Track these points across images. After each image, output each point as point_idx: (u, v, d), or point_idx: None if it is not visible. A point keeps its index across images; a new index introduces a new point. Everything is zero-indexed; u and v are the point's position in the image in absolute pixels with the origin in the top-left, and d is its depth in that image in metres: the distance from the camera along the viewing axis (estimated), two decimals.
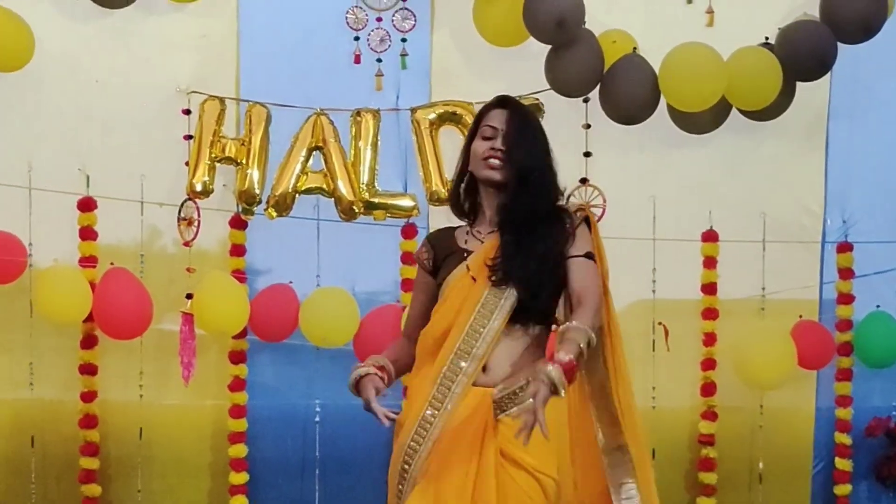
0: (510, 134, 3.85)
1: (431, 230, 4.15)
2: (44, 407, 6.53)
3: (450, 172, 6.46)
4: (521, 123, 3.88)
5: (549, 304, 3.84)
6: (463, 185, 3.97)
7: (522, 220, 3.82)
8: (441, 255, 3.95)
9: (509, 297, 3.78)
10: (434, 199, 6.48)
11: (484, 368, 3.80)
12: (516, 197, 3.82)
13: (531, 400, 3.44)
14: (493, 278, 3.78)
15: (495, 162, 3.84)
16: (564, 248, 3.82)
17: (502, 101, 3.96)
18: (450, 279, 3.88)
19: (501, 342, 3.80)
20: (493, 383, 3.80)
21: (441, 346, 3.81)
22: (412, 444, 3.80)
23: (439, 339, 3.83)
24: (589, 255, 3.83)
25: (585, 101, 6.47)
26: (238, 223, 6.56)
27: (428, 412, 3.77)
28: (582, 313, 3.70)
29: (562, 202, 3.91)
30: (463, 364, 3.77)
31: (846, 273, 6.86)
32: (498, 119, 3.88)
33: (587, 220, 3.89)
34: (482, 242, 3.88)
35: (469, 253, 3.88)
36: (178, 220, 6.45)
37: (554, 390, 3.46)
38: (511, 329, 3.80)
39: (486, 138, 3.87)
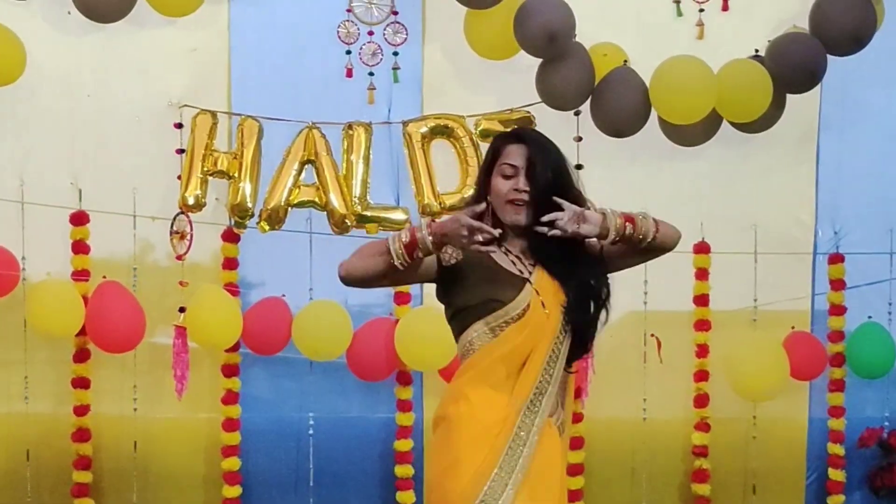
0: (534, 171, 3.75)
1: None
2: (38, 421, 6.52)
3: (442, 185, 6.50)
4: (541, 159, 3.77)
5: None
6: (488, 218, 3.79)
7: (560, 253, 3.78)
8: (474, 263, 3.77)
9: (569, 335, 3.81)
10: (426, 212, 6.49)
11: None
12: (544, 237, 3.72)
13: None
14: (568, 321, 3.78)
15: (520, 206, 3.76)
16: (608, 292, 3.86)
17: (520, 136, 3.86)
18: (523, 302, 3.74)
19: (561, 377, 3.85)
20: (551, 413, 3.82)
21: (514, 377, 3.75)
22: (499, 472, 3.71)
23: (513, 370, 3.75)
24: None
25: (577, 114, 6.49)
26: (230, 237, 6.57)
27: (514, 442, 3.71)
28: (665, 224, 3.95)
29: None
30: (541, 401, 3.76)
31: (838, 284, 6.87)
32: (517, 156, 3.78)
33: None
34: (530, 272, 3.79)
35: (521, 278, 3.77)
36: (171, 233, 6.46)
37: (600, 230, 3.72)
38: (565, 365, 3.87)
39: (506, 177, 3.77)
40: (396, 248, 3.64)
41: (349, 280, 3.73)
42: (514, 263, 3.80)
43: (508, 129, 4.05)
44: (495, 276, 3.77)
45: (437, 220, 3.68)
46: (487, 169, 3.85)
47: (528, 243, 3.82)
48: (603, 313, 3.86)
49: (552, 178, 3.75)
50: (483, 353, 3.76)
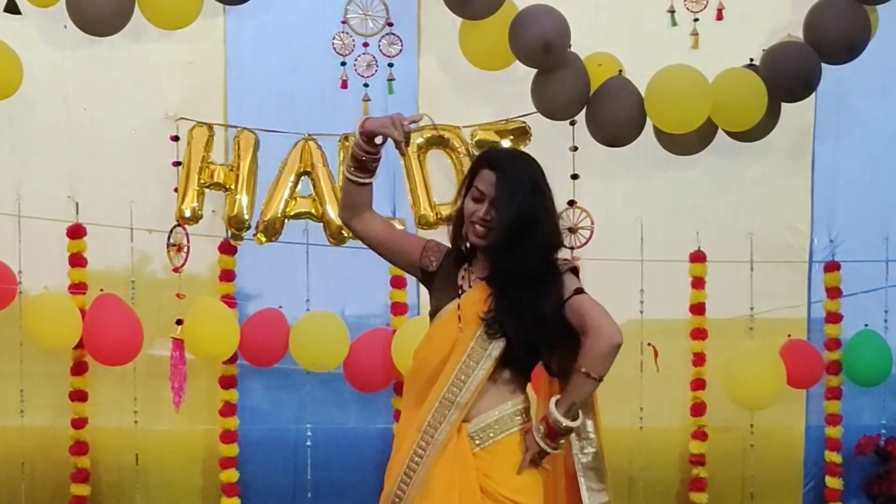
0: (502, 200, 3.80)
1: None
2: (34, 434, 6.52)
3: (438, 196, 6.51)
4: (509, 188, 3.80)
5: (545, 358, 3.94)
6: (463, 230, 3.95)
7: (511, 279, 3.83)
8: (443, 272, 3.98)
9: (497, 348, 3.83)
10: (423, 223, 6.50)
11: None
12: (503, 259, 3.82)
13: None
14: (489, 331, 3.82)
15: (480, 230, 3.84)
16: (553, 308, 3.85)
17: (491, 163, 3.87)
18: (442, 315, 3.93)
19: (484, 387, 3.88)
20: (469, 418, 3.88)
21: (427, 392, 3.88)
22: (398, 492, 3.86)
23: (426, 385, 3.89)
24: (578, 291, 3.87)
25: (572, 123, 6.50)
26: (227, 249, 6.57)
27: (412, 461, 3.84)
28: (582, 354, 3.84)
29: (561, 254, 3.93)
30: (447, 412, 3.84)
31: (834, 292, 6.89)
32: (486, 182, 3.83)
33: (573, 269, 3.93)
34: (470, 286, 3.91)
35: (459, 291, 3.92)
36: (168, 246, 6.46)
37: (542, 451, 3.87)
38: (495, 375, 3.88)
39: (475, 199, 3.86)
40: (347, 162, 3.93)
41: (343, 218, 4.08)
42: (463, 278, 3.93)
43: (491, 149, 4.17)
44: (443, 286, 3.95)
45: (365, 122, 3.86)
46: (464, 188, 3.94)
47: (490, 262, 3.89)
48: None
49: (516, 213, 3.78)
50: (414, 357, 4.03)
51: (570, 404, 3.83)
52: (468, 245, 3.93)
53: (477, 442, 3.86)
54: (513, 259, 3.80)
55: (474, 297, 3.87)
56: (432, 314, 3.99)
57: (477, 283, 3.90)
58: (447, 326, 3.89)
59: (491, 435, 3.87)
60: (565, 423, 3.83)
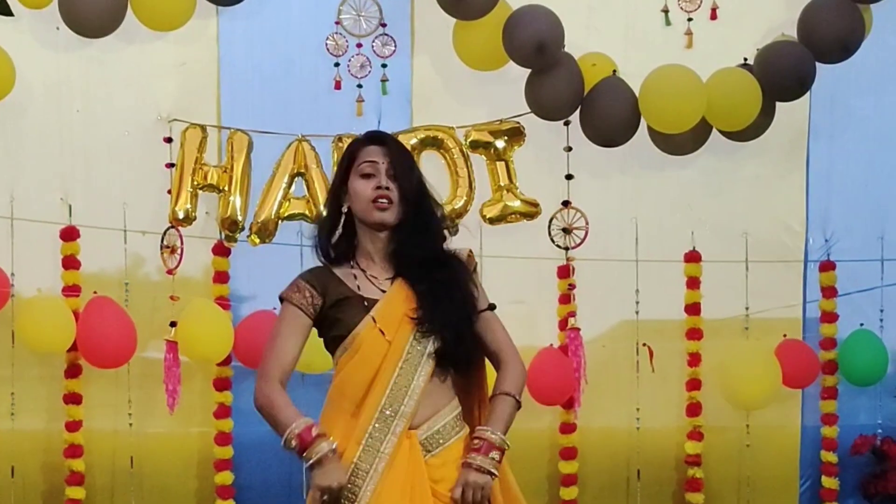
0: (396, 171, 3.68)
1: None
2: (26, 437, 6.50)
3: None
4: (403, 159, 3.72)
5: (474, 350, 3.77)
6: (339, 230, 3.75)
7: (422, 264, 3.69)
8: (331, 299, 3.70)
9: (430, 349, 3.67)
10: None
11: None
12: (412, 239, 3.68)
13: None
14: (422, 330, 3.64)
15: (384, 202, 3.67)
16: (474, 295, 3.75)
17: (378, 138, 3.78)
18: (358, 331, 3.66)
19: (425, 390, 3.69)
20: (416, 426, 3.69)
21: (360, 404, 3.65)
22: None
23: (358, 397, 3.66)
24: (492, 307, 3.79)
25: (566, 123, 6.49)
26: (221, 250, 6.56)
27: (355, 476, 3.60)
28: (509, 378, 3.74)
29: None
30: (391, 423, 3.63)
31: (829, 292, 6.88)
32: (377, 155, 3.70)
33: (473, 266, 3.82)
34: (382, 291, 3.70)
35: (370, 301, 3.69)
36: (161, 248, 6.44)
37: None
38: (433, 376, 3.70)
39: (366, 175, 3.69)
40: (288, 441, 3.62)
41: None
42: (360, 287, 3.71)
43: (363, 134, 3.88)
44: (343, 307, 3.69)
45: (316, 455, 3.56)
46: (343, 175, 3.75)
47: (391, 248, 3.73)
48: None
49: (415, 179, 3.70)
50: (331, 389, 3.75)
51: (506, 427, 3.70)
52: (340, 247, 3.74)
53: (428, 449, 3.68)
54: (421, 240, 3.68)
55: (394, 300, 3.68)
56: (333, 339, 3.73)
57: (387, 285, 3.71)
58: (371, 336, 3.65)
59: (441, 441, 3.70)
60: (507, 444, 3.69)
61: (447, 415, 3.72)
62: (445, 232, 3.80)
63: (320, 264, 3.82)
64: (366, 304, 3.67)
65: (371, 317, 3.65)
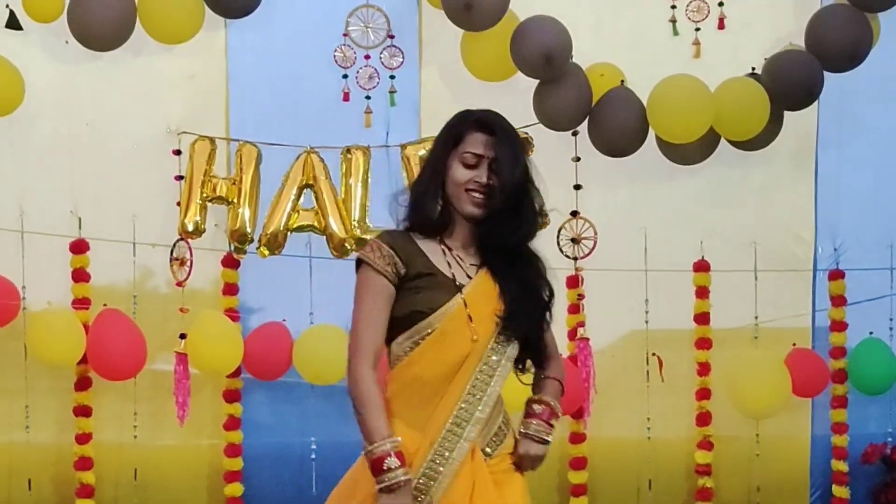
0: (500, 165, 3.47)
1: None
2: (40, 449, 6.52)
3: None
4: (510, 151, 3.50)
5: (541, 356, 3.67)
6: (440, 203, 3.52)
7: (508, 258, 3.52)
8: (414, 269, 3.47)
9: (511, 355, 3.53)
10: None
11: None
12: (504, 229, 3.49)
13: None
14: (506, 333, 3.49)
15: (479, 198, 3.48)
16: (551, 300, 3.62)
17: (488, 125, 3.54)
18: (444, 315, 3.45)
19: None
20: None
21: (433, 402, 3.46)
22: None
23: (432, 394, 3.46)
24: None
25: (574, 134, 6.49)
26: (230, 262, 6.57)
27: (421, 480, 3.43)
28: (555, 368, 3.68)
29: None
30: (464, 428, 3.46)
31: (838, 300, 6.87)
32: (482, 144, 3.50)
33: None
34: (469, 277, 3.50)
35: (456, 283, 3.48)
36: (171, 260, 6.46)
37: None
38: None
39: (468, 166, 3.49)
40: (369, 455, 3.39)
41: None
42: (451, 265, 3.51)
43: (468, 111, 3.63)
44: (430, 283, 3.47)
45: (389, 481, 3.34)
46: (445, 149, 3.54)
47: (475, 236, 3.54)
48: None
49: (517, 176, 3.49)
50: (399, 371, 3.51)
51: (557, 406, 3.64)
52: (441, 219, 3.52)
53: (487, 453, 3.53)
54: (514, 229, 3.49)
55: (481, 292, 3.50)
56: (411, 314, 3.47)
57: (473, 272, 3.52)
58: (459, 332, 3.45)
59: (497, 443, 3.55)
60: (553, 414, 3.61)
61: (499, 414, 3.58)
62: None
63: (398, 228, 3.58)
64: (457, 285, 3.48)
65: (462, 299, 3.47)
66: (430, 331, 3.46)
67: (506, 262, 3.53)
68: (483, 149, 3.50)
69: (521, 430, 3.60)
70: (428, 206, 3.51)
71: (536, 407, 3.62)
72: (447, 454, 3.45)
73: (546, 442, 3.60)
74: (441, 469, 3.44)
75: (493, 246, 3.52)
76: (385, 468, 3.35)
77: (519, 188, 3.49)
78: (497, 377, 3.50)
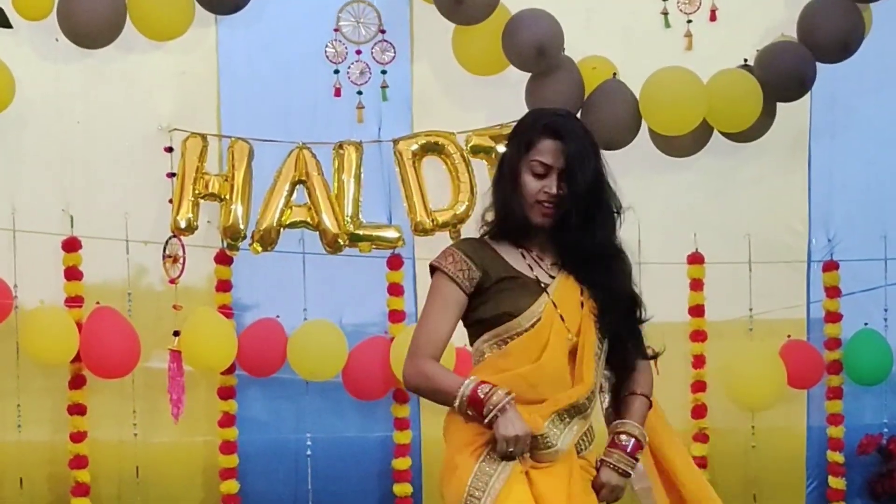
0: (570, 171, 3.45)
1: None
2: (32, 448, 6.50)
3: (434, 202, 6.48)
4: (580, 157, 3.45)
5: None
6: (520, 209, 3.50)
7: (587, 260, 3.52)
8: (495, 274, 3.50)
9: (605, 348, 3.59)
10: (419, 230, 6.48)
11: None
12: (577, 235, 3.48)
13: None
14: (601, 329, 3.53)
15: (548, 209, 3.47)
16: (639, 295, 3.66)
17: (557, 131, 3.47)
18: (533, 315, 3.47)
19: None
20: None
21: (530, 391, 3.47)
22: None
23: (534, 388, 3.47)
24: None
25: None
26: (223, 259, 6.55)
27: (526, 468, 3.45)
28: (643, 380, 3.76)
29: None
30: (574, 419, 3.51)
31: (833, 292, 6.87)
32: (550, 154, 3.46)
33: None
34: (552, 277, 3.53)
35: (540, 284, 3.51)
36: (164, 257, 6.44)
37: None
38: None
39: (537, 175, 3.47)
40: (462, 405, 3.41)
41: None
42: (532, 268, 3.53)
43: (539, 112, 3.64)
44: (512, 286, 3.49)
45: (495, 405, 3.36)
46: (516, 156, 3.52)
47: (551, 241, 3.55)
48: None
49: (590, 185, 3.47)
50: (489, 366, 3.50)
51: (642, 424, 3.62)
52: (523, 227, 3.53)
53: (578, 450, 3.57)
54: (590, 238, 3.49)
55: (566, 291, 3.51)
56: (499, 316, 3.50)
57: (556, 271, 3.53)
58: (553, 330, 3.47)
59: (587, 441, 3.60)
60: (641, 441, 3.60)
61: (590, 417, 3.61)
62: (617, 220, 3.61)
63: (474, 237, 3.64)
64: (542, 285, 3.50)
65: (551, 300, 3.48)
66: (518, 331, 3.48)
67: (587, 267, 3.54)
68: (552, 158, 3.47)
69: (604, 458, 3.60)
70: (517, 212, 3.50)
71: (623, 438, 3.61)
72: (560, 434, 3.46)
73: (627, 475, 3.59)
74: (557, 438, 3.46)
75: (570, 253, 3.53)
76: (483, 397, 3.36)
77: (591, 195, 3.48)
78: (598, 370, 3.56)
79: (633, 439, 3.60)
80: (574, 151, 3.45)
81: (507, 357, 3.48)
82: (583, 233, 3.47)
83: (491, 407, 3.35)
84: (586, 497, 3.54)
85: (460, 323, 3.60)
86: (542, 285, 3.49)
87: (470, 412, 3.40)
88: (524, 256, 3.55)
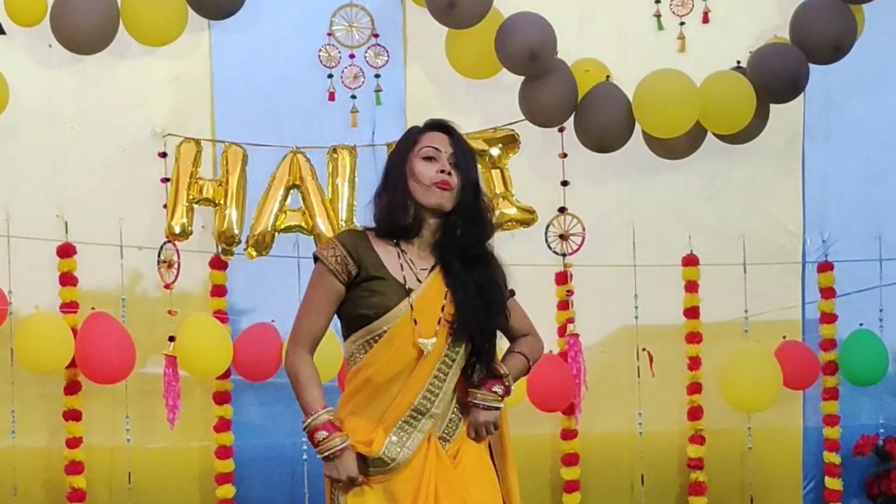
0: (459, 160, 3.65)
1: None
2: (27, 454, 6.49)
3: None
4: (466, 150, 3.71)
5: (494, 353, 3.75)
6: (412, 206, 3.64)
7: (464, 259, 3.64)
8: (366, 271, 3.61)
9: (464, 350, 3.65)
10: None
11: None
12: (463, 228, 3.63)
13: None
14: (456, 334, 3.60)
15: (446, 187, 3.62)
16: (507, 301, 3.75)
17: (443, 125, 3.73)
18: (393, 318, 3.58)
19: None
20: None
21: (389, 398, 3.60)
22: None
23: (388, 391, 3.60)
24: (512, 293, 3.78)
25: (561, 130, 6.50)
26: (218, 264, 6.56)
27: (378, 462, 3.60)
28: (526, 344, 3.82)
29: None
30: (420, 421, 3.62)
31: (828, 292, 6.88)
32: (440, 141, 3.67)
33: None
34: (419, 281, 3.63)
35: (406, 287, 3.60)
36: (158, 262, 6.44)
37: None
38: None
39: (428, 159, 3.64)
40: (306, 429, 3.61)
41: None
42: (402, 267, 3.64)
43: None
44: (381, 286, 3.61)
45: (328, 451, 3.55)
46: (401, 156, 3.69)
47: (435, 236, 3.66)
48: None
49: (474, 171, 3.70)
50: (359, 371, 3.64)
51: (514, 376, 3.75)
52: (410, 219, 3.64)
53: (446, 439, 3.68)
54: (471, 230, 3.64)
55: (429, 296, 3.62)
56: (362, 316, 3.62)
57: (424, 276, 3.64)
58: (406, 335, 3.58)
59: (454, 429, 3.69)
60: (507, 380, 3.71)
61: (452, 405, 3.70)
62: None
63: (358, 228, 3.81)
64: (406, 289, 3.61)
65: (409, 303, 3.60)
66: (379, 333, 3.61)
67: (461, 265, 3.65)
68: (441, 144, 3.67)
69: (469, 400, 3.71)
70: (399, 212, 3.64)
71: (478, 376, 3.71)
72: (406, 441, 3.61)
73: (492, 408, 3.69)
74: (396, 455, 3.60)
75: (451, 246, 3.64)
76: (323, 438, 3.56)
77: (476, 186, 3.68)
78: (451, 376, 3.65)
79: (494, 379, 3.70)
80: (459, 143, 3.68)
81: (369, 360, 3.62)
82: (466, 226, 3.63)
83: (325, 450, 3.57)
84: (465, 480, 3.66)
85: None
86: (407, 289, 3.61)
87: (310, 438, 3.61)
88: (399, 256, 3.66)
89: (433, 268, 3.66)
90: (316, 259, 3.70)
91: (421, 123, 3.78)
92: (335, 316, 3.70)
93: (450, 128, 3.73)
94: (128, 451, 6.54)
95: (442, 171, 3.63)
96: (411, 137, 3.73)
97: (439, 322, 3.60)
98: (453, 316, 3.61)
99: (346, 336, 3.70)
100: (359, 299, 3.62)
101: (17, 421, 6.43)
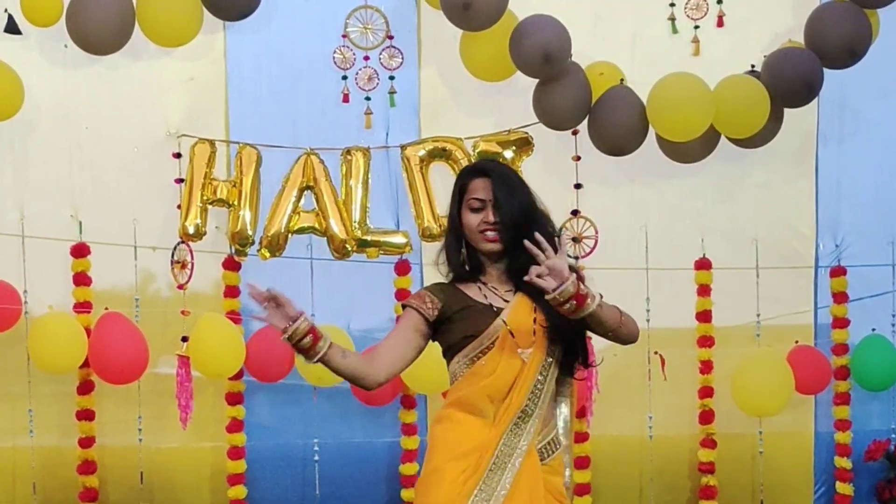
0: (499, 202, 3.91)
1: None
2: (43, 454, 6.52)
3: (441, 208, 6.49)
4: (505, 188, 3.93)
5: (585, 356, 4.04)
6: (463, 251, 3.99)
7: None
8: (455, 306, 3.96)
9: (557, 356, 3.94)
10: (426, 235, 6.50)
11: None
12: (523, 259, 3.81)
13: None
14: (551, 338, 3.90)
15: (491, 234, 3.92)
16: None
17: (482, 170, 4.02)
18: (492, 335, 3.90)
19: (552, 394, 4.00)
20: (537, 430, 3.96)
21: (499, 404, 3.89)
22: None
23: (498, 397, 3.90)
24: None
25: (574, 133, 6.49)
26: (231, 265, 6.57)
27: (494, 472, 3.86)
28: (628, 320, 3.95)
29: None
30: (528, 422, 3.90)
31: (840, 297, 6.87)
32: (482, 189, 3.94)
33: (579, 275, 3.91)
34: (506, 301, 3.93)
35: (492, 309, 3.92)
36: (172, 263, 6.46)
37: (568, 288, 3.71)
38: (556, 382, 4.00)
39: (474, 210, 3.94)
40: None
41: (371, 385, 4.04)
42: (487, 297, 3.95)
43: (472, 163, 4.25)
44: (469, 313, 3.93)
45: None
46: (458, 204, 4.01)
47: (506, 267, 3.96)
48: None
49: (518, 207, 3.91)
50: (463, 382, 3.94)
51: (600, 303, 3.82)
52: (469, 264, 3.98)
53: (542, 457, 3.94)
54: (530, 258, 3.79)
55: (520, 311, 3.91)
56: (462, 339, 3.94)
57: (510, 296, 3.94)
58: (507, 347, 3.89)
59: (551, 450, 3.97)
60: (593, 294, 3.78)
61: (556, 424, 4.04)
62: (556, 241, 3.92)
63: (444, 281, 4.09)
64: (494, 309, 3.93)
65: (502, 319, 3.91)
66: (482, 349, 3.93)
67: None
68: (483, 192, 3.95)
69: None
70: (453, 259, 4.01)
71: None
72: (517, 442, 3.88)
73: (564, 297, 3.70)
74: (510, 458, 3.87)
75: (523, 272, 3.81)
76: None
77: (524, 218, 3.91)
78: (550, 377, 3.94)
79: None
80: (500, 183, 3.94)
81: (473, 374, 3.93)
82: (525, 256, 3.78)
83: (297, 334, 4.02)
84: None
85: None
86: (496, 309, 3.92)
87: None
88: (480, 289, 3.98)
89: (515, 291, 3.95)
90: (403, 307, 4.05)
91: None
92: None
93: (488, 170, 4.00)
94: (140, 451, 6.58)
95: (485, 222, 3.93)
96: (460, 185, 4.02)
97: (534, 333, 3.90)
98: (546, 321, 3.89)
99: (449, 361, 4.00)
100: (456, 327, 3.95)
101: (32, 420, 6.46)
